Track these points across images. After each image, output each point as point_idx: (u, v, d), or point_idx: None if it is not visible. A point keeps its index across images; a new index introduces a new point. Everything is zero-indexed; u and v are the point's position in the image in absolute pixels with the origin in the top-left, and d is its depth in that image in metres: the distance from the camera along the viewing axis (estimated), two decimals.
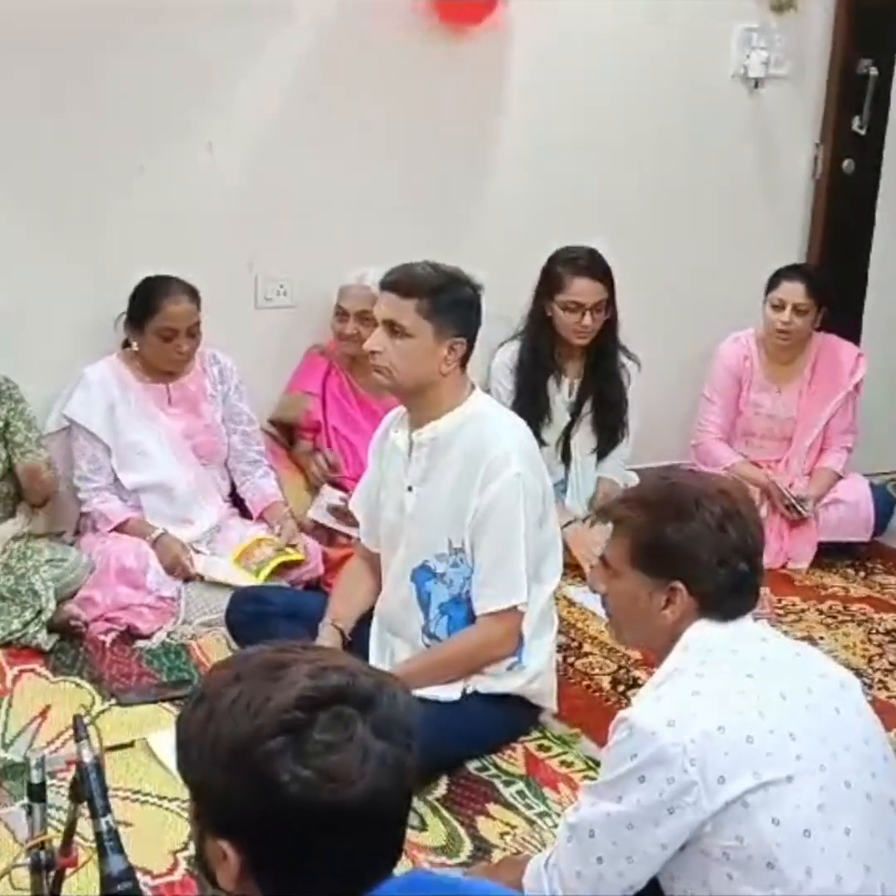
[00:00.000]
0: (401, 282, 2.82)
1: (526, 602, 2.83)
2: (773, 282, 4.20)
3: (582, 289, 3.90)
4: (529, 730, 3.03)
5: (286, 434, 4.08)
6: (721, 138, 4.56)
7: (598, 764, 2.87)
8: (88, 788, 1.86)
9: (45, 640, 3.34)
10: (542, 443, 3.72)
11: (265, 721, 1.25)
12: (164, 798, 2.72)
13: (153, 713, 3.06)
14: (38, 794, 1.94)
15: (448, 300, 2.80)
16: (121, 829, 1.76)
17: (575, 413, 4.05)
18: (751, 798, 1.79)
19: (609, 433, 4.07)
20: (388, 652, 3.01)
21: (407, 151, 4.11)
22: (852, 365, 4.28)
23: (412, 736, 1.31)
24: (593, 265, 3.92)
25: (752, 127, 4.61)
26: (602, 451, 4.08)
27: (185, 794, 2.68)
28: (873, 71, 4.60)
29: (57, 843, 1.96)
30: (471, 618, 2.87)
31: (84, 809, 1.83)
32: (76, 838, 1.99)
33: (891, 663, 3.51)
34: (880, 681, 3.37)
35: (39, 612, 3.35)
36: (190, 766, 1.32)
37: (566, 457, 4.05)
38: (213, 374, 3.81)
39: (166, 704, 3.10)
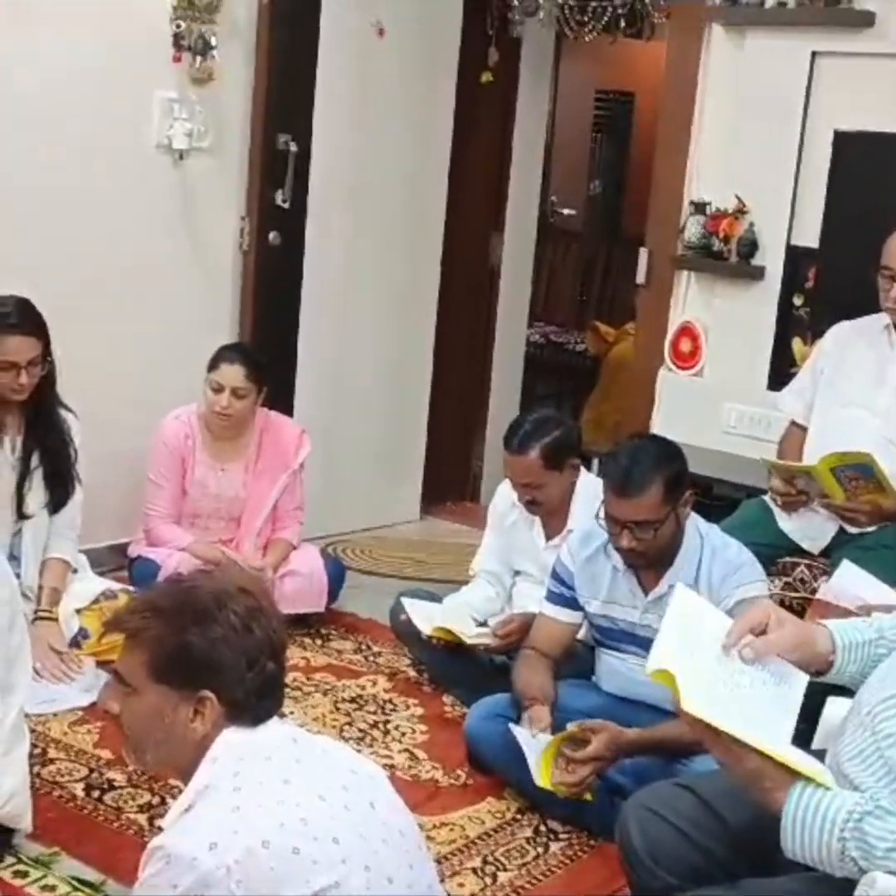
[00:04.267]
0: None
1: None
2: (213, 363, 4.15)
3: (14, 347, 3.62)
4: (2, 856, 2.76)
5: None
6: (149, 210, 4.47)
7: (83, 883, 2.72)
8: None
9: None
10: None
11: None
12: None
13: None
14: None
15: None
16: None
17: (24, 470, 3.77)
18: None
19: (61, 483, 3.81)
20: None
21: None
22: (296, 443, 4.31)
23: None
24: (24, 320, 3.66)
25: (180, 199, 4.57)
26: (54, 504, 3.82)
27: None
28: (293, 146, 4.72)
29: None
30: None
31: None
32: None
33: (360, 730, 3.56)
34: (356, 750, 3.39)
35: None
36: None
37: (19, 515, 3.76)
38: None
39: None
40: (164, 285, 4.56)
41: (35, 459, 3.79)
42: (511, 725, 3.10)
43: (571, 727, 2.99)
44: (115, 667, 1.92)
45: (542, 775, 2.98)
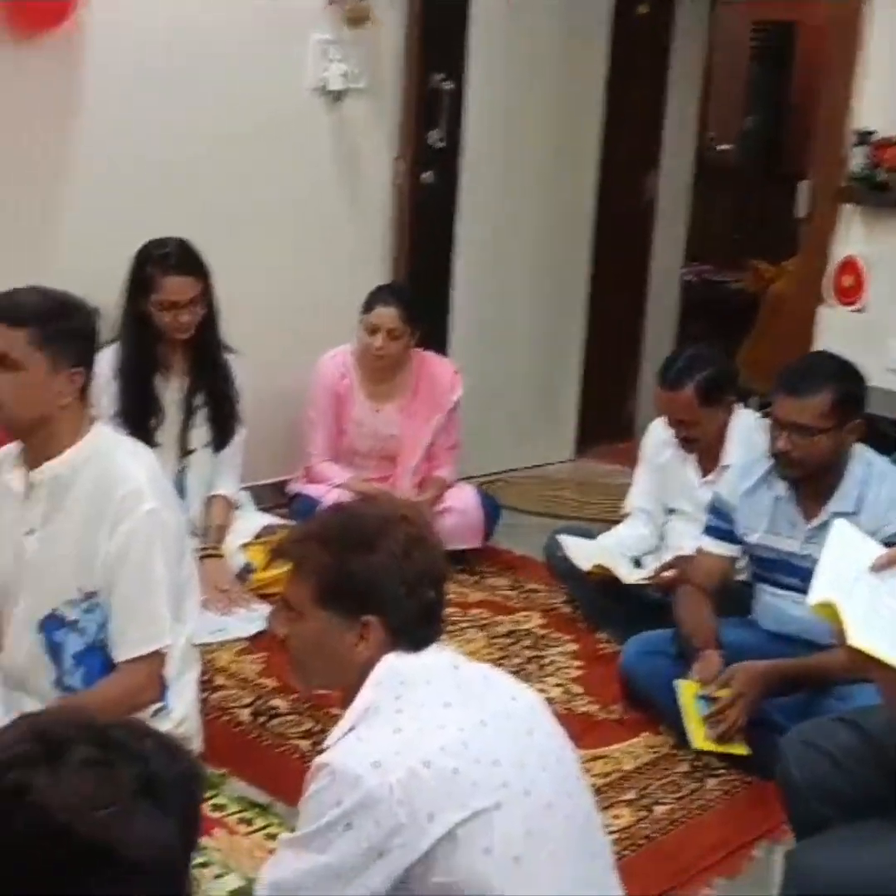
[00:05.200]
0: (7, 311, 2.59)
1: (169, 644, 2.68)
2: (368, 304, 4.20)
3: (175, 287, 3.75)
4: None
5: None
6: (305, 152, 4.53)
7: (251, 804, 2.82)
8: None
9: None
10: (155, 444, 3.62)
11: None
12: None
13: None
14: None
15: (62, 328, 2.60)
16: None
17: (189, 410, 3.90)
18: (461, 831, 1.75)
19: (224, 423, 3.95)
20: (15, 711, 2.76)
21: None
22: (450, 382, 4.35)
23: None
24: (184, 260, 3.78)
25: (335, 141, 4.61)
26: (218, 442, 3.96)
27: None
28: (447, 85, 4.72)
29: None
30: (110, 666, 2.68)
31: None
32: None
33: (516, 665, 3.60)
34: None
35: None
36: None
37: (183, 452, 3.89)
38: None
39: None
40: (319, 226, 4.61)
41: (199, 399, 3.91)
42: (676, 681, 3.11)
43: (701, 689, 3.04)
44: (282, 593, 1.97)
45: (695, 736, 3.01)
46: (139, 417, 3.76)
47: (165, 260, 3.76)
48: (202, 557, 3.81)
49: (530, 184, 5.12)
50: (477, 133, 4.87)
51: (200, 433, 3.94)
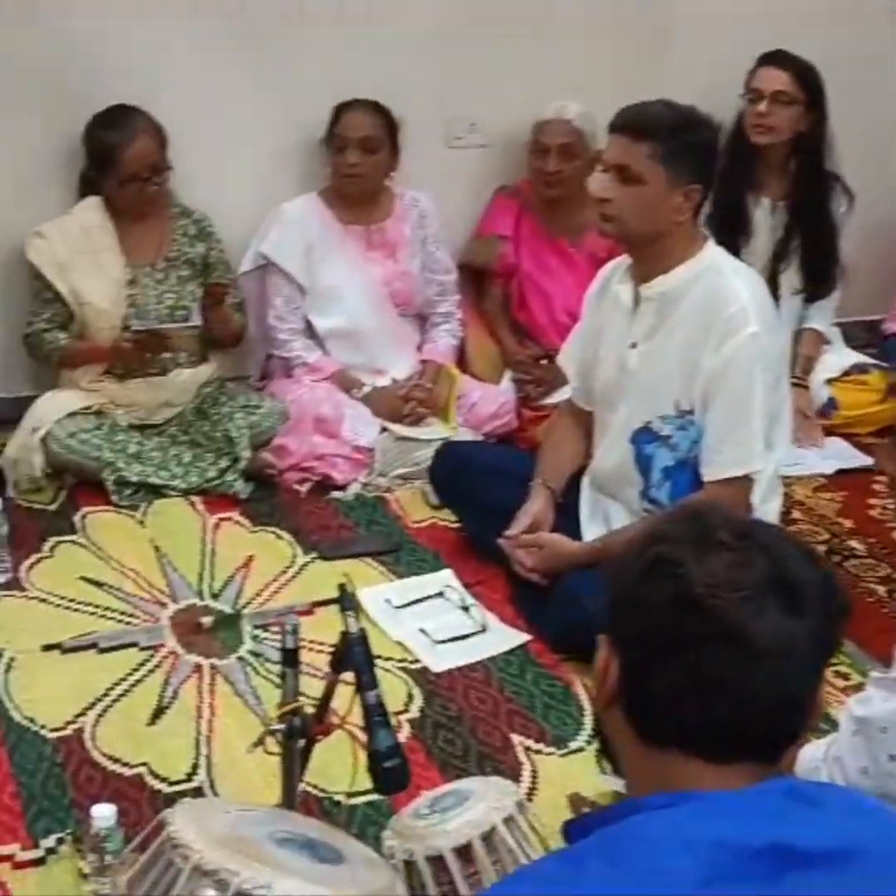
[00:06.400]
0: (632, 123, 2.60)
1: (759, 470, 2.67)
2: None
3: (761, 75, 3.66)
4: None
5: (475, 279, 3.91)
6: None
7: None
8: (357, 661, 1.80)
9: (242, 488, 3.27)
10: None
11: None
12: (379, 657, 2.64)
13: (357, 567, 2.98)
14: (291, 659, 1.88)
15: (684, 143, 2.57)
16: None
17: (782, 246, 3.78)
18: None
19: (818, 274, 3.80)
20: (601, 515, 2.89)
21: None
22: None
23: None
24: (783, 57, 3.66)
25: None
26: (810, 294, 3.83)
27: (396, 652, 2.66)
28: None
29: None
30: (696, 483, 2.72)
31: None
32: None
33: None
34: None
35: (236, 460, 3.29)
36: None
37: (772, 294, 3.79)
38: (412, 217, 3.63)
39: (368, 559, 3.04)
40: None
41: (795, 240, 3.76)
42: None
43: None
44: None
45: None
46: (726, 231, 3.66)
47: (767, 54, 3.67)
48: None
49: None
50: None
51: (791, 279, 3.81)
